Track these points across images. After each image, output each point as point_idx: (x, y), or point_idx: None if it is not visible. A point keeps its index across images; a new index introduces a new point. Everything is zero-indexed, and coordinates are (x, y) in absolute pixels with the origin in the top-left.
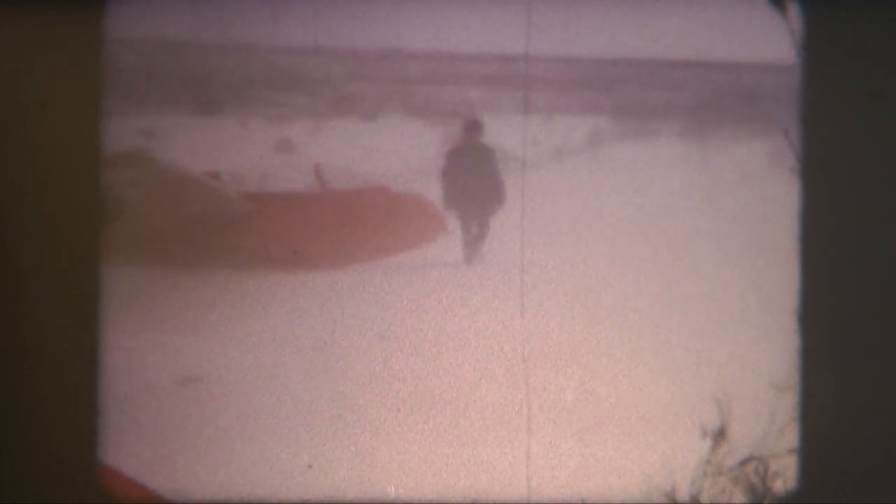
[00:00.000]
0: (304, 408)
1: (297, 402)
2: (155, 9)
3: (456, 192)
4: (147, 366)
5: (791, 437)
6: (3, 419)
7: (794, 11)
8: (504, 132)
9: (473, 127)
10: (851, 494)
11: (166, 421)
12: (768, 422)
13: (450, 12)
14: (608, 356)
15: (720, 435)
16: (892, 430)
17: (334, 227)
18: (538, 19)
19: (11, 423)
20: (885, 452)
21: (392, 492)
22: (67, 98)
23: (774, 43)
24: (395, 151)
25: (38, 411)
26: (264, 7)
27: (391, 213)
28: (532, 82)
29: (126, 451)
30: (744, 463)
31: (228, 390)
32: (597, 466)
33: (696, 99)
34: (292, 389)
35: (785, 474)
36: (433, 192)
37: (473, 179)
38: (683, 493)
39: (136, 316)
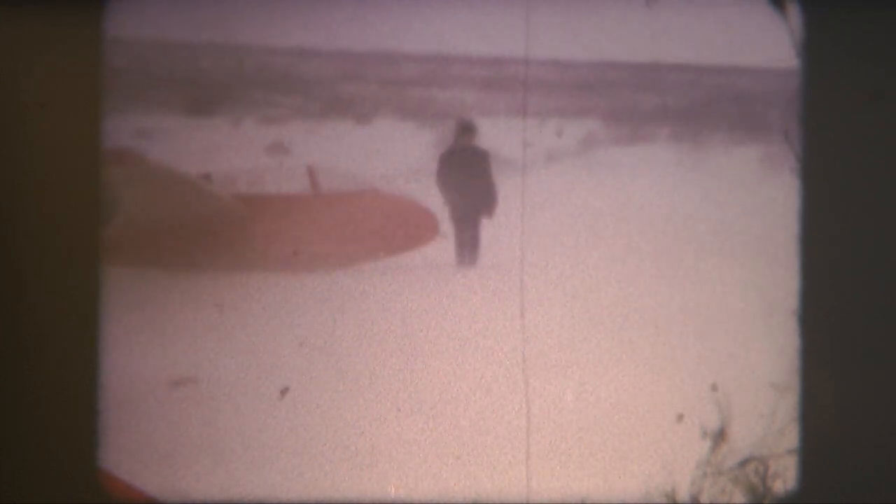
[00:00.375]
0: (304, 408)
1: (297, 403)
2: (151, 9)
3: (449, 196)
4: (146, 367)
5: (791, 437)
6: (3, 419)
7: (794, 12)
8: (501, 135)
9: (467, 129)
10: (851, 494)
11: (166, 421)
12: (768, 422)
13: (445, 15)
14: (608, 356)
15: (720, 435)
16: (892, 430)
17: (326, 230)
18: (535, 22)
19: (11, 423)
20: (885, 452)
21: (392, 492)
22: (67, 98)
23: (774, 44)
24: (389, 154)
25: (38, 411)
26: (259, 8)
27: (383, 217)
28: (528, 85)
29: (125, 451)
30: (744, 463)
31: (228, 391)
32: (597, 466)
33: (695, 102)
34: (291, 390)
35: (785, 474)
36: (427, 194)
37: (467, 183)
38: (683, 493)
39: (134, 317)
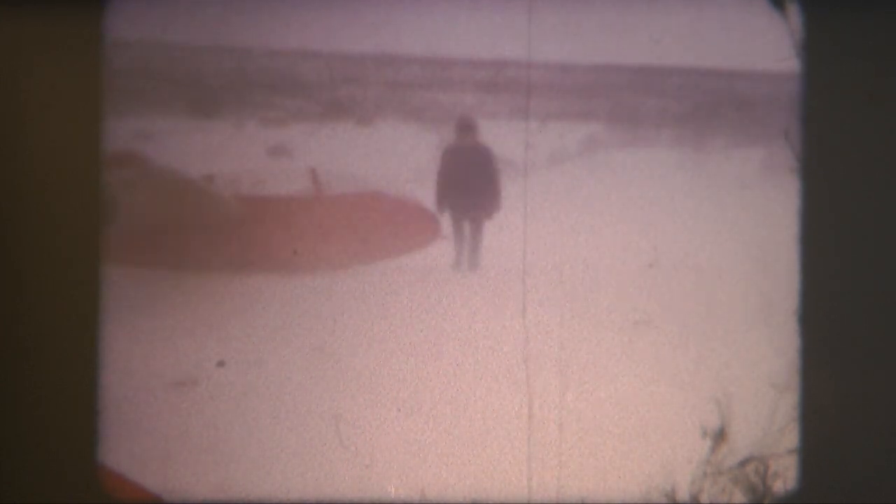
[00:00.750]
0: (304, 408)
1: (298, 403)
2: (153, 10)
3: (449, 195)
4: (146, 367)
5: (791, 437)
6: (3, 419)
7: (794, 12)
8: (503, 137)
9: (466, 127)
10: (851, 494)
11: (166, 421)
12: (768, 422)
13: (448, 17)
14: (608, 357)
15: (720, 435)
16: (892, 430)
17: (328, 232)
18: (537, 25)
19: (11, 423)
20: (885, 452)
21: (392, 492)
22: (67, 98)
23: (774, 45)
24: (391, 155)
25: (38, 411)
26: (261, 11)
27: (386, 218)
28: (532, 88)
29: (125, 451)
30: (744, 463)
31: (228, 391)
32: (597, 466)
33: (696, 105)
34: (292, 390)
35: (785, 474)
36: (429, 196)
37: (468, 182)
38: (683, 493)
39: (134, 317)
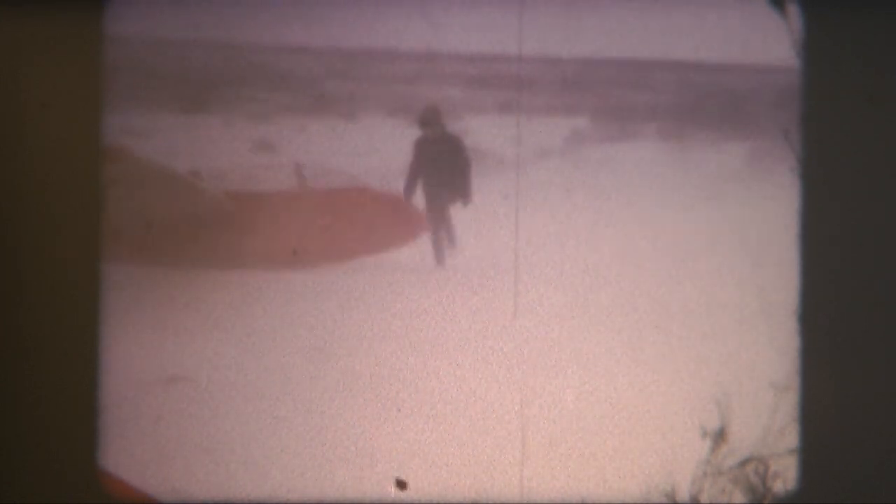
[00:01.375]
0: (304, 408)
1: (297, 402)
2: (150, 8)
3: (418, 186)
4: (144, 366)
5: (791, 437)
6: (3, 419)
7: (794, 12)
8: (490, 132)
9: (430, 121)
10: (851, 494)
11: (165, 421)
12: (768, 422)
13: (436, 12)
14: (606, 356)
15: (720, 435)
16: (892, 430)
17: (314, 227)
18: (528, 19)
19: (11, 423)
20: (885, 452)
21: (392, 492)
22: (67, 98)
23: (774, 44)
24: (378, 151)
25: (38, 411)
26: (249, 6)
27: (371, 213)
28: (522, 82)
29: (125, 451)
30: (744, 463)
31: (227, 390)
32: (596, 466)
33: (690, 100)
34: (291, 389)
35: (785, 474)
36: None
37: (437, 173)
38: (683, 493)
39: (133, 315)
